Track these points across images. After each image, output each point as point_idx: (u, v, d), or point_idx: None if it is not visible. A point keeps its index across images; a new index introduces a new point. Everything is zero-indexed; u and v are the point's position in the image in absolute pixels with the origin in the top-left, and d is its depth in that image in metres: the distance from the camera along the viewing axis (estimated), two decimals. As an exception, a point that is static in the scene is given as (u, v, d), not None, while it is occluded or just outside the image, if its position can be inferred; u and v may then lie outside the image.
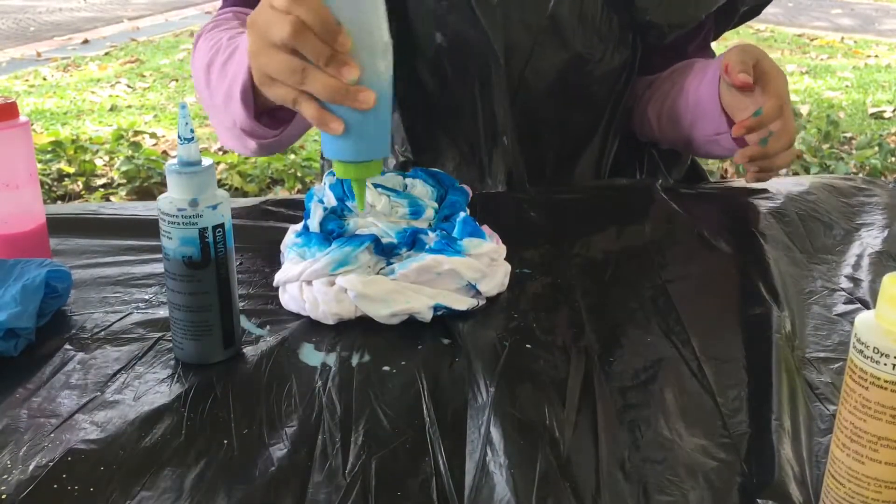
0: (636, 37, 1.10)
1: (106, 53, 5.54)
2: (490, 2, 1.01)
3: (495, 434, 0.60)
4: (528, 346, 0.72)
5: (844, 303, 0.81)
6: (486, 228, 0.86)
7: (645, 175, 1.20)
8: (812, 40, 5.99)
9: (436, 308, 0.76)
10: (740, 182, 1.09)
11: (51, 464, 0.57)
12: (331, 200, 0.87)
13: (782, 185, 1.06)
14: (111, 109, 4.01)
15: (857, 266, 0.88)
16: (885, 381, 0.46)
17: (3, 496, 0.55)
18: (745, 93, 0.96)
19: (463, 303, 0.77)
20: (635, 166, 1.21)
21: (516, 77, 1.06)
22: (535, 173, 1.11)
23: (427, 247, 0.79)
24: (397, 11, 1.04)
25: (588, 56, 1.06)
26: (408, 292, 0.76)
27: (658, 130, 1.15)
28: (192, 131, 0.66)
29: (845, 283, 0.85)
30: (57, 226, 0.92)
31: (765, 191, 1.05)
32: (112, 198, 2.78)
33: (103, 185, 2.92)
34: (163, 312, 0.77)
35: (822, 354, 0.72)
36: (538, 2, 1.03)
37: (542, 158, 1.12)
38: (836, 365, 0.70)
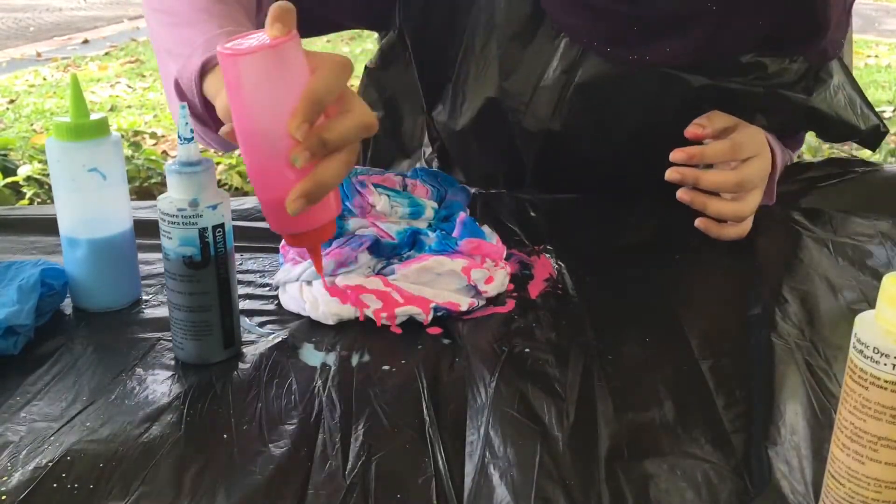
0: None
1: (106, 53, 5.54)
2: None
3: (494, 435, 0.60)
4: (527, 346, 0.72)
5: (847, 300, 0.81)
6: (486, 228, 0.86)
7: None
8: (812, 40, 5.98)
9: (436, 308, 0.76)
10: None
11: (51, 464, 0.57)
12: (331, 200, 0.87)
13: (783, 175, 1.05)
14: (111, 109, 4.01)
15: (857, 260, 0.88)
16: (885, 381, 0.46)
17: (3, 497, 0.55)
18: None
19: (463, 303, 0.77)
20: None
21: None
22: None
23: (427, 247, 0.79)
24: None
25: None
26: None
27: None
28: (192, 131, 0.66)
29: (848, 280, 0.84)
30: (53, 225, 0.92)
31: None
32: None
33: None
34: (163, 312, 0.77)
35: (822, 353, 0.72)
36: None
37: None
38: (837, 364, 0.70)
